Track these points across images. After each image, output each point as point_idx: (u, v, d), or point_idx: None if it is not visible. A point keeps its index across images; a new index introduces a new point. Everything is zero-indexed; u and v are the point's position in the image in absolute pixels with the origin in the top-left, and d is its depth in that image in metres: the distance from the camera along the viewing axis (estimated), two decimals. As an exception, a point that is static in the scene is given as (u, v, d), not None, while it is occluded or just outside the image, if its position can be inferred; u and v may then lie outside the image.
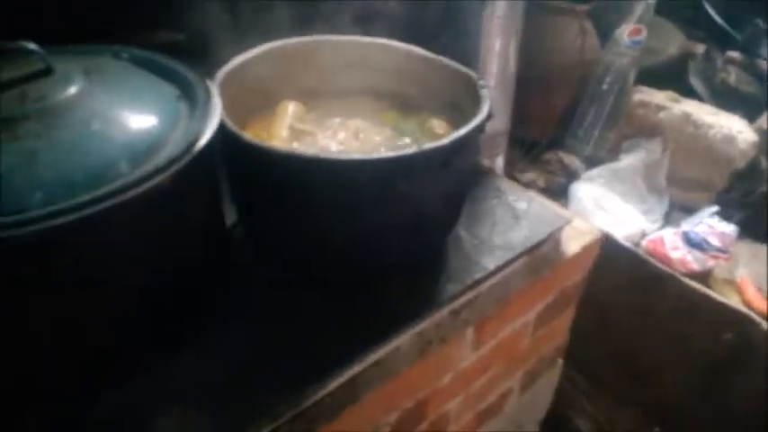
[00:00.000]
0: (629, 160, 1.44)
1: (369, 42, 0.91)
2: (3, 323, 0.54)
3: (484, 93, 0.77)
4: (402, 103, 0.92)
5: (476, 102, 0.77)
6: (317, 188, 0.65)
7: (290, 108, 0.88)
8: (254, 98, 0.84)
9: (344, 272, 0.76)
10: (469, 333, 0.85)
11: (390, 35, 0.91)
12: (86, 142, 0.58)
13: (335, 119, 0.90)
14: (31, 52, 0.59)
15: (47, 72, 0.60)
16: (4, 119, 0.55)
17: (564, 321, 1.10)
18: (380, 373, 0.72)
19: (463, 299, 0.80)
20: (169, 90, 0.67)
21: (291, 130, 0.84)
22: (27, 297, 0.54)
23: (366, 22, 0.94)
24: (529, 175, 1.48)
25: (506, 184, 1.03)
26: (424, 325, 0.76)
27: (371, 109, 0.92)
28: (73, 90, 0.60)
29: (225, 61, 0.79)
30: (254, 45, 0.85)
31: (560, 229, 0.94)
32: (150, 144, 0.60)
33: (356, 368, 0.70)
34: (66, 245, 0.53)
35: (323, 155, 0.75)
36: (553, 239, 0.94)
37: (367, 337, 0.72)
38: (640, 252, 1.28)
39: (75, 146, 0.57)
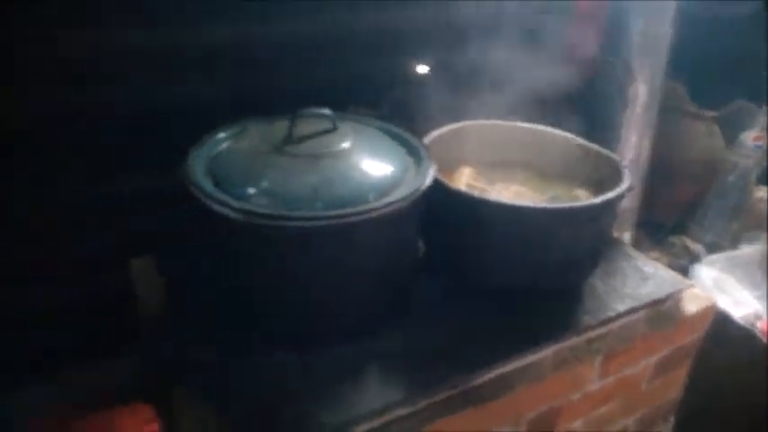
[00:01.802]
0: (749, 250, 1.58)
1: (531, 127, 1.19)
2: (291, 280, 0.83)
3: (626, 171, 1.01)
4: (551, 174, 1.17)
5: (617, 179, 1.00)
6: (502, 227, 0.91)
7: (467, 171, 1.16)
8: (439, 161, 1.13)
9: (510, 292, 0.99)
10: (598, 361, 1.04)
11: (547, 119, 1.18)
12: (351, 177, 0.88)
13: (499, 183, 1.16)
14: (326, 116, 0.92)
15: (334, 129, 0.92)
16: (312, 155, 0.87)
17: (678, 377, 1.24)
18: (528, 375, 0.94)
19: (597, 331, 1.01)
20: (401, 150, 0.97)
21: (469, 187, 1.11)
22: (307, 266, 0.82)
23: (531, 109, 1.21)
24: (653, 255, 1.65)
25: (635, 253, 1.23)
26: (563, 345, 0.97)
27: (526, 177, 1.19)
28: (347, 144, 0.91)
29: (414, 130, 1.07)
30: (440, 122, 1.14)
31: (681, 291, 1.13)
32: (390, 185, 0.88)
33: (513, 365, 0.92)
34: (330, 238, 0.81)
35: (512, 201, 1.01)
36: (674, 299, 1.12)
37: (522, 344, 0.94)
38: (756, 331, 1.40)
39: (345, 178, 0.87)
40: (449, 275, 1.04)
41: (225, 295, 0.92)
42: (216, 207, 0.79)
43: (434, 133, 1.12)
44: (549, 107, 1.23)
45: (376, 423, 0.82)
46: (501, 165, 1.20)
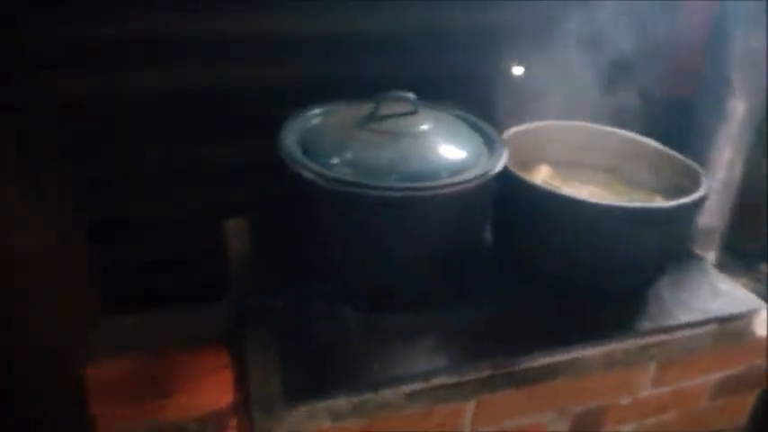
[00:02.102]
0: None
1: (615, 132, 1.20)
2: (364, 244, 0.91)
3: (704, 180, 1.00)
4: (631, 180, 1.17)
5: (696, 187, 1.00)
6: (568, 220, 0.94)
7: (544, 169, 1.19)
8: (518, 157, 1.17)
9: (571, 287, 1.02)
10: (653, 368, 1.04)
11: (636, 126, 1.19)
12: (427, 156, 0.94)
13: (575, 182, 1.18)
14: (408, 99, 0.99)
15: (414, 112, 0.99)
16: (392, 132, 0.94)
17: (744, 402, 1.20)
18: (575, 368, 0.96)
19: (654, 338, 1.01)
20: (477, 138, 1.03)
21: (544, 183, 1.14)
22: (380, 233, 0.90)
23: (622, 114, 1.22)
24: (740, 281, 1.58)
25: (712, 269, 1.21)
26: (616, 346, 0.98)
27: (605, 180, 1.19)
28: (426, 126, 0.97)
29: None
30: (520, 120, 1.17)
31: (754, 311, 1.10)
32: (462, 166, 0.94)
33: (560, 356, 0.95)
34: (402, 209, 0.88)
35: (579, 195, 1.03)
36: (746, 319, 1.09)
37: (572, 337, 0.96)
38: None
39: (421, 156, 0.94)
40: (513, 262, 1.08)
41: (305, 254, 1.01)
42: (305, 173, 0.89)
43: (515, 129, 1.16)
44: (644, 114, 1.23)
45: (422, 386, 0.88)
46: (580, 166, 1.22)
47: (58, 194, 1.24)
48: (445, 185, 0.88)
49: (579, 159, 1.22)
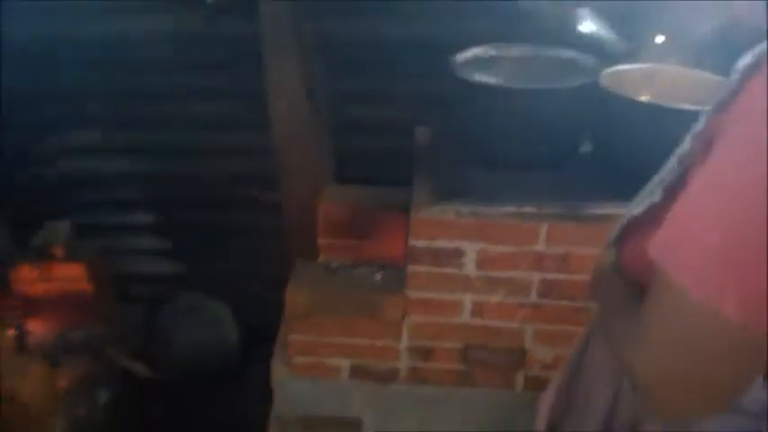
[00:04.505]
0: None
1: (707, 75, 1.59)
2: (507, 130, 1.48)
3: None
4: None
5: None
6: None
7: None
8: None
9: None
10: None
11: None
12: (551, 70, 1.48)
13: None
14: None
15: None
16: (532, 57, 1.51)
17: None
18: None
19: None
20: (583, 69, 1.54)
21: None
22: (516, 121, 1.47)
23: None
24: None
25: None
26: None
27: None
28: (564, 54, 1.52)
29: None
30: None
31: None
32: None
33: (609, 210, 1.41)
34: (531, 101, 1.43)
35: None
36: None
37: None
38: None
39: (547, 71, 1.48)
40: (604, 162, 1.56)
41: (460, 141, 1.61)
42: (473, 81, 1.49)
43: (617, 67, 1.60)
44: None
45: (514, 210, 1.43)
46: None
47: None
48: (556, 89, 1.42)
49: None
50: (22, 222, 2.15)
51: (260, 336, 2.49)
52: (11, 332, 1.90)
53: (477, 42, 1.65)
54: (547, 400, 0.92)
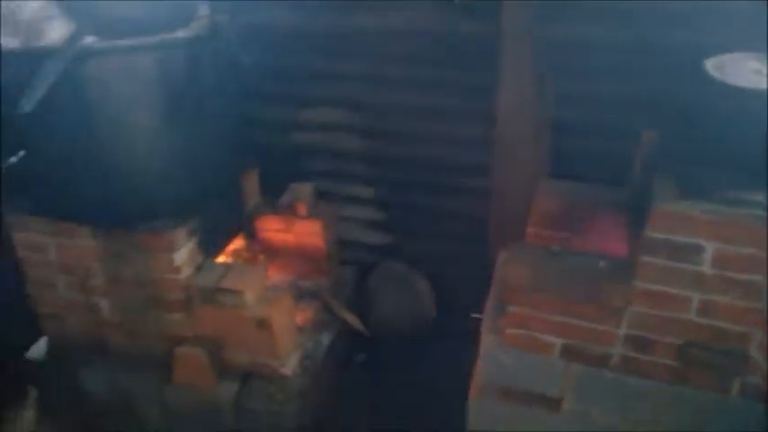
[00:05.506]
0: None
1: None
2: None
3: None
4: None
5: None
6: None
7: None
8: None
9: None
10: None
11: None
12: None
13: None
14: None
15: None
16: None
17: None
18: None
19: None
20: None
21: None
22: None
23: None
24: None
25: None
26: None
27: None
28: None
29: None
30: None
31: None
32: None
33: None
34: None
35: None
36: None
37: None
38: None
39: None
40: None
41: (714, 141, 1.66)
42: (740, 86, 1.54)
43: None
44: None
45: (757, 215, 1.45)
46: None
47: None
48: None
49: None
50: (269, 182, 2.53)
51: (453, 311, 2.69)
52: (262, 271, 2.25)
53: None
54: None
